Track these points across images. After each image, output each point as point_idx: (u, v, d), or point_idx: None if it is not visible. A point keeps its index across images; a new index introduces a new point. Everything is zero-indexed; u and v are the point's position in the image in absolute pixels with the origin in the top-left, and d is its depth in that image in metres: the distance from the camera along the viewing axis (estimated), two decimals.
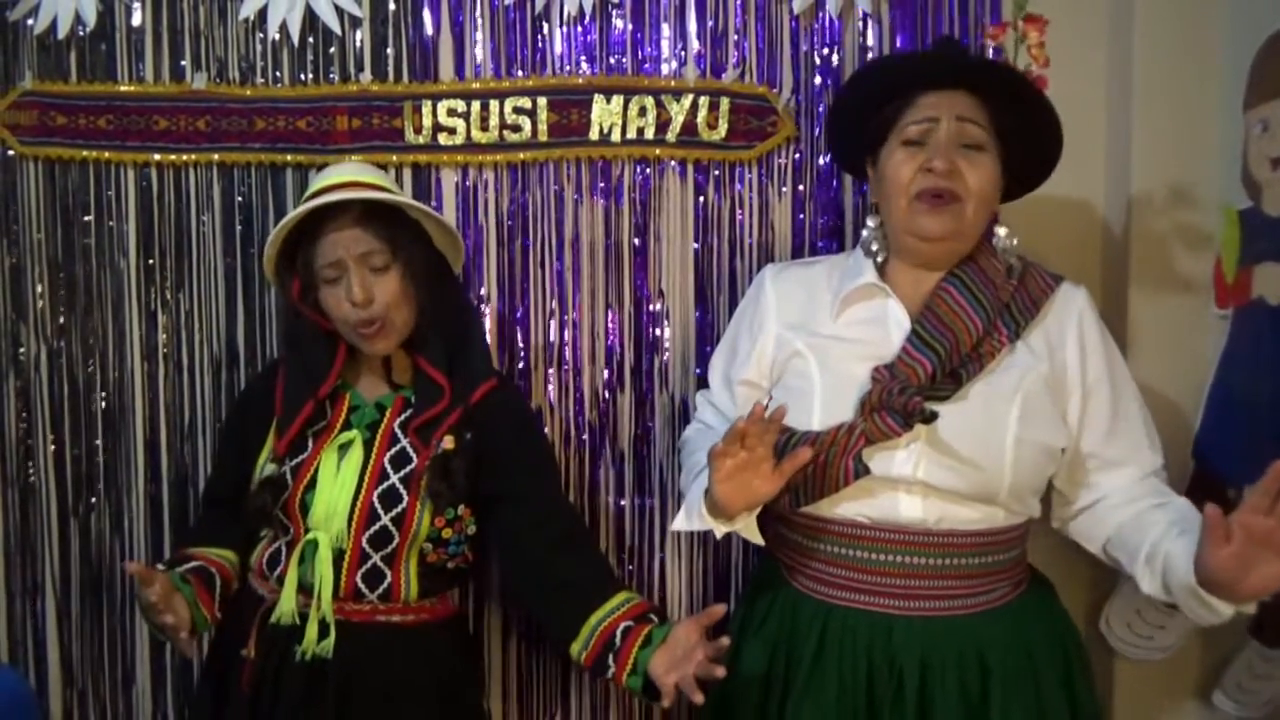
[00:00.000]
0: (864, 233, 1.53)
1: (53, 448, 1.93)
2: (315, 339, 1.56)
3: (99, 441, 1.93)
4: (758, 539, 1.41)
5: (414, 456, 1.52)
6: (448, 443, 1.52)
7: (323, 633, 1.48)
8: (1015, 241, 1.48)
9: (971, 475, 1.36)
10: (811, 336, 1.48)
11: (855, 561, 1.42)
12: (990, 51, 1.62)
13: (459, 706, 1.59)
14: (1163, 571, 1.32)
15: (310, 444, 1.53)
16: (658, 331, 1.89)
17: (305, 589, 1.49)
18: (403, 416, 1.55)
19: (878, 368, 1.39)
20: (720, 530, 1.37)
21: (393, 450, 1.52)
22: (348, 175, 1.55)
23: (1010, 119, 1.43)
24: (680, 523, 1.42)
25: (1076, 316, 1.46)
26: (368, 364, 1.60)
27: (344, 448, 1.52)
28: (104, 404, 1.93)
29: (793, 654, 1.44)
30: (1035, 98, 1.43)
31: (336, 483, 1.50)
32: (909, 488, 1.38)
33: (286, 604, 1.49)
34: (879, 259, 1.50)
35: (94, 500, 1.94)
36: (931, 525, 1.38)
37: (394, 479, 1.51)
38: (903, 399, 1.33)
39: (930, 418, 1.33)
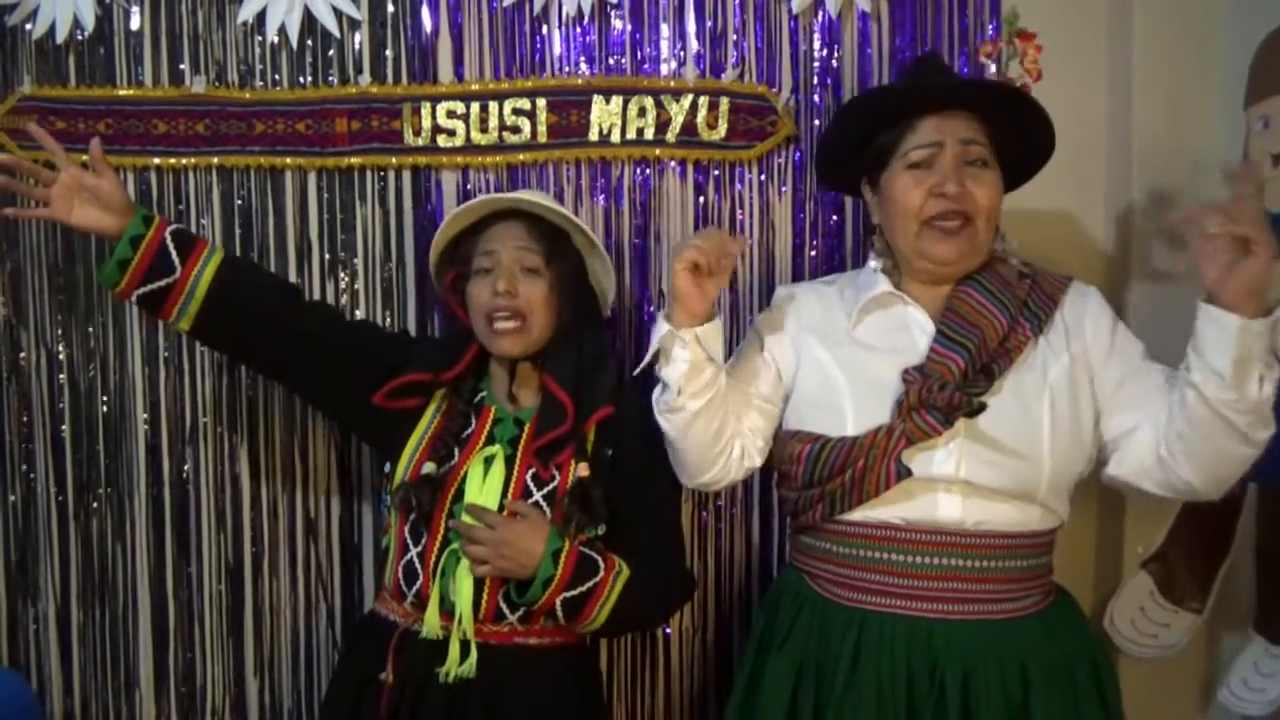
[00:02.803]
0: (870, 261, 1.52)
1: (53, 452, 1.93)
2: (454, 333, 1.60)
3: (100, 446, 1.93)
4: (717, 347, 1.41)
5: (556, 475, 1.51)
6: (582, 470, 1.51)
7: (463, 654, 1.45)
8: (1016, 244, 1.48)
9: (1012, 469, 1.36)
10: (833, 345, 1.47)
11: (891, 565, 1.38)
12: (989, 66, 1.62)
13: None
14: (1191, 362, 1.32)
15: (457, 454, 1.52)
16: None
17: (445, 609, 1.47)
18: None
19: (907, 370, 1.39)
20: (687, 336, 1.37)
21: (534, 468, 1.51)
22: (532, 196, 1.59)
23: (1008, 131, 1.44)
24: (655, 342, 1.42)
25: (1093, 308, 1.47)
26: (499, 378, 1.59)
27: (488, 460, 1.52)
28: (105, 408, 1.92)
29: (824, 666, 1.40)
30: (1035, 113, 1.44)
31: (481, 497, 1.48)
32: (949, 487, 1.36)
33: (432, 617, 1.46)
34: (891, 277, 1.49)
35: (95, 504, 1.93)
36: (969, 526, 1.36)
37: (537, 496, 1.50)
38: (944, 395, 1.33)
39: (978, 409, 1.33)
